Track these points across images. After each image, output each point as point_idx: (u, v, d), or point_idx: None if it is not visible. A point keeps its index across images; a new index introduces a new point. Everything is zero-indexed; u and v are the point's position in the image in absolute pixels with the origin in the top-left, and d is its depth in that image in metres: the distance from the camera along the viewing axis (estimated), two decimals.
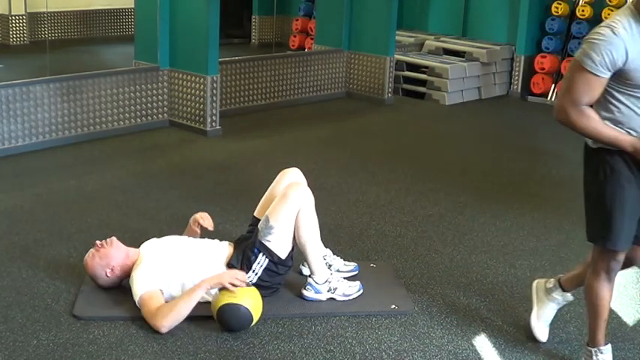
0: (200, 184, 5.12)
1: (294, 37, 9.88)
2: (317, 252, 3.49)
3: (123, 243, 3.48)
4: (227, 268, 3.37)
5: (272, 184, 3.67)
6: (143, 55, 6.50)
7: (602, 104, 2.69)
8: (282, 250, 3.38)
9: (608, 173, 2.71)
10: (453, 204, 4.89)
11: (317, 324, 3.29)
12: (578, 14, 8.04)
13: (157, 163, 5.55)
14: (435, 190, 5.15)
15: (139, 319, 3.22)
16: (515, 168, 5.84)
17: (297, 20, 9.93)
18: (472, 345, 3.19)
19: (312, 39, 8.92)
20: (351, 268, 3.75)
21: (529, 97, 8.35)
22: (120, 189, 4.94)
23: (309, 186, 3.58)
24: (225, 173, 5.39)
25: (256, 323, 3.21)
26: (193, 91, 6.28)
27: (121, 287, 3.42)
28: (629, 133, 2.66)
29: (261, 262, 3.36)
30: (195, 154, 5.85)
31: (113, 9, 8.93)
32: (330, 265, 3.66)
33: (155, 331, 3.14)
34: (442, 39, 8.91)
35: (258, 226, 3.42)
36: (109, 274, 3.39)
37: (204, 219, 3.69)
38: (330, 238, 4.09)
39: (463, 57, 8.39)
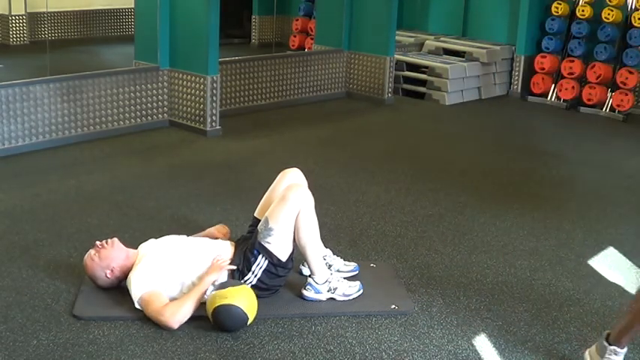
0: (200, 184, 5.12)
1: (294, 37, 9.88)
2: (317, 253, 3.49)
3: (123, 243, 3.48)
4: (228, 269, 3.37)
5: (272, 185, 3.67)
6: (143, 55, 6.50)
7: None
8: (282, 251, 3.38)
9: None
10: (453, 204, 4.89)
11: (317, 324, 3.29)
12: (578, 14, 8.04)
13: (156, 163, 5.55)
14: (435, 190, 5.15)
15: (139, 319, 3.22)
16: (515, 168, 5.84)
17: (297, 20, 9.93)
18: (472, 345, 3.19)
19: (312, 39, 8.92)
20: (351, 268, 3.75)
21: (529, 97, 8.35)
22: (120, 189, 4.94)
23: (309, 186, 3.59)
24: (225, 173, 5.39)
25: (253, 322, 3.21)
26: (193, 91, 6.28)
27: (120, 287, 3.41)
28: None
29: (260, 264, 3.36)
30: (195, 154, 5.85)
31: (113, 9, 8.92)
32: (330, 265, 3.66)
33: (155, 331, 3.14)
34: (442, 39, 8.90)
35: (258, 227, 3.42)
36: (108, 275, 3.39)
37: (227, 233, 3.76)
38: (330, 238, 4.09)
39: (463, 57, 8.39)
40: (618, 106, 7.71)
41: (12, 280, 3.58)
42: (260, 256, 3.36)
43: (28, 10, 8.02)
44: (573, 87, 8.01)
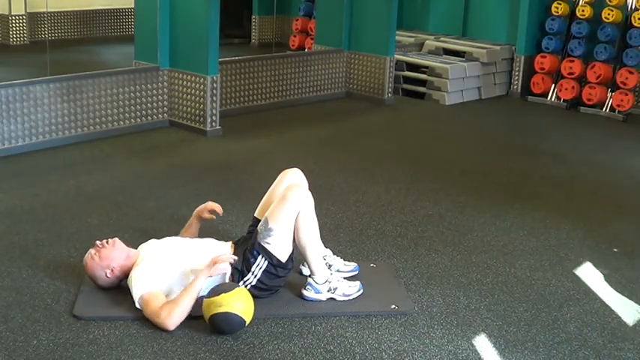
0: (200, 184, 5.11)
1: (294, 37, 9.88)
2: (317, 253, 3.49)
3: (124, 243, 3.48)
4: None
5: (273, 185, 3.67)
6: (143, 55, 6.50)
7: None
8: (282, 252, 3.37)
9: None
10: (453, 204, 4.89)
11: (317, 324, 3.29)
12: (578, 14, 8.04)
13: (156, 163, 5.55)
14: (435, 190, 5.15)
15: (139, 319, 3.22)
16: (515, 168, 5.84)
17: (297, 20, 9.93)
18: (472, 345, 3.19)
19: (312, 39, 8.92)
20: (351, 268, 3.75)
21: (529, 97, 8.35)
22: (120, 189, 4.94)
23: (309, 186, 3.59)
24: (225, 173, 5.39)
25: (251, 323, 3.20)
26: (193, 91, 6.28)
27: (120, 287, 3.41)
28: None
29: (260, 264, 3.36)
30: (195, 154, 5.85)
31: (113, 9, 8.92)
32: (330, 265, 3.66)
33: (155, 331, 3.14)
34: (442, 39, 8.91)
35: (258, 227, 3.42)
36: (108, 275, 3.39)
37: (216, 207, 3.75)
38: (330, 238, 4.09)
39: (463, 57, 8.39)
40: (618, 106, 7.71)
41: (12, 280, 3.58)
42: (260, 256, 3.36)
43: (28, 10, 8.01)
44: (573, 87, 8.01)
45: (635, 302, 3.65)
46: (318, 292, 3.44)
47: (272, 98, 7.39)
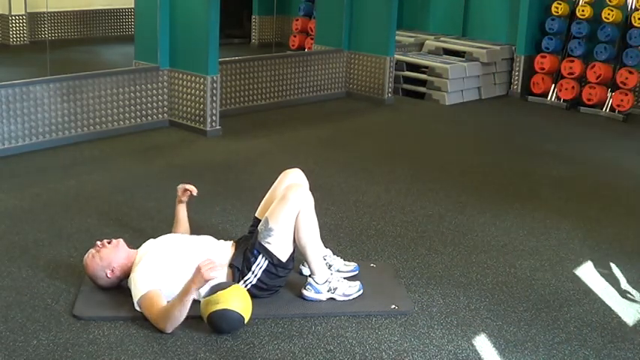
0: (200, 184, 5.07)
1: (294, 37, 9.88)
2: (317, 253, 3.49)
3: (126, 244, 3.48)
4: (228, 269, 3.37)
5: (274, 185, 3.67)
6: (143, 55, 6.50)
7: None
8: (282, 252, 3.37)
9: None
10: (453, 204, 4.89)
11: (317, 324, 3.29)
12: (578, 14, 8.04)
13: (156, 163, 5.55)
14: (435, 190, 5.15)
15: (139, 319, 3.22)
16: (515, 168, 5.84)
17: (297, 20, 9.93)
18: (472, 345, 3.19)
19: (312, 39, 8.92)
20: (351, 268, 3.75)
21: (529, 97, 8.35)
22: (120, 189, 4.94)
23: (309, 186, 3.59)
24: (225, 173, 5.38)
25: (250, 320, 3.20)
26: (193, 91, 6.28)
27: (120, 287, 3.41)
28: None
29: (260, 264, 3.36)
30: (195, 154, 5.85)
31: (113, 9, 8.92)
32: (330, 265, 3.66)
33: (155, 331, 3.14)
34: (442, 39, 8.91)
35: (258, 227, 3.42)
36: (109, 275, 3.39)
37: (187, 187, 3.80)
38: (330, 238, 4.09)
39: (463, 57, 8.39)
40: (618, 106, 7.71)
41: (12, 280, 3.58)
42: (260, 256, 3.36)
43: (28, 10, 8.02)
44: (573, 87, 8.01)
45: (635, 302, 3.65)
46: (318, 292, 3.44)
47: (272, 98, 7.39)
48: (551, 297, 3.65)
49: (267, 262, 3.36)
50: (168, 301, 3.22)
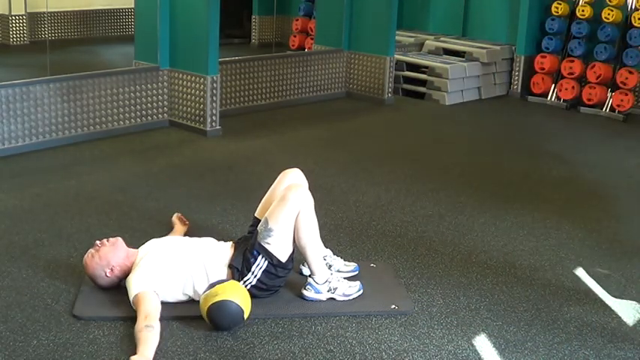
0: (200, 184, 5.11)
1: (294, 37, 9.88)
2: (317, 253, 3.49)
3: (126, 243, 3.48)
4: (228, 269, 3.37)
5: (273, 185, 3.67)
6: (143, 55, 6.50)
7: None
8: (282, 252, 3.37)
9: None
10: (453, 204, 4.89)
11: (317, 324, 3.29)
12: (578, 14, 8.04)
13: (156, 163, 5.55)
14: (435, 190, 5.15)
15: None
16: (515, 168, 5.84)
17: (297, 20, 9.93)
18: (472, 345, 3.19)
19: (312, 39, 8.92)
20: (351, 268, 3.75)
21: (529, 97, 8.35)
22: (120, 189, 4.94)
23: (309, 186, 3.59)
24: (225, 173, 5.39)
25: (249, 317, 3.20)
26: (193, 91, 6.28)
27: (120, 287, 3.41)
28: None
29: (260, 264, 3.36)
30: (195, 154, 5.85)
31: (113, 9, 8.92)
32: (330, 266, 3.66)
33: None
34: (442, 39, 8.91)
35: (258, 228, 3.42)
36: (108, 274, 3.39)
37: (180, 216, 4.05)
38: (330, 238, 4.09)
39: (463, 57, 8.39)
40: (618, 106, 7.71)
41: (12, 280, 3.58)
42: (260, 256, 3.36)
43: (28, 10, 8.02)
44: (573, 87, 8.01)
45: (635, 302, 3.65)
46: (318, 292, 3.44)
47: (272, 98, 7.39)
48: (551, 297, 3.65)
49: (266, 262, 3.36)
50: (162, 302, 3.22)
